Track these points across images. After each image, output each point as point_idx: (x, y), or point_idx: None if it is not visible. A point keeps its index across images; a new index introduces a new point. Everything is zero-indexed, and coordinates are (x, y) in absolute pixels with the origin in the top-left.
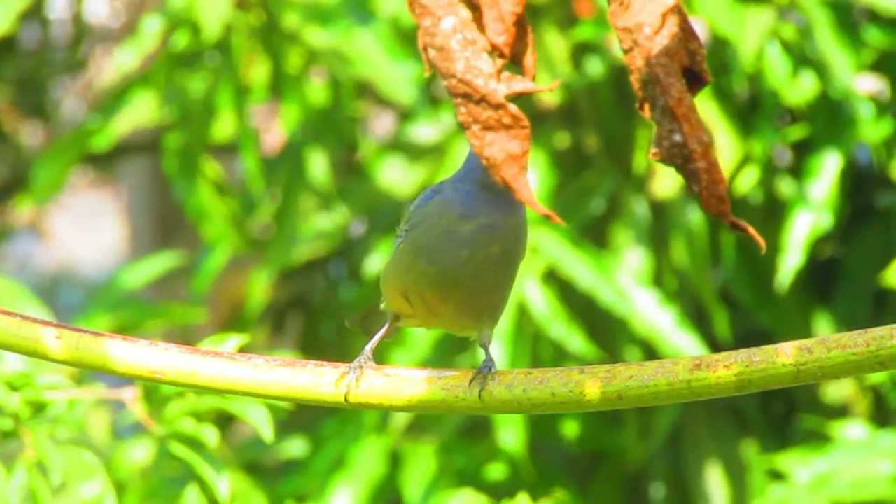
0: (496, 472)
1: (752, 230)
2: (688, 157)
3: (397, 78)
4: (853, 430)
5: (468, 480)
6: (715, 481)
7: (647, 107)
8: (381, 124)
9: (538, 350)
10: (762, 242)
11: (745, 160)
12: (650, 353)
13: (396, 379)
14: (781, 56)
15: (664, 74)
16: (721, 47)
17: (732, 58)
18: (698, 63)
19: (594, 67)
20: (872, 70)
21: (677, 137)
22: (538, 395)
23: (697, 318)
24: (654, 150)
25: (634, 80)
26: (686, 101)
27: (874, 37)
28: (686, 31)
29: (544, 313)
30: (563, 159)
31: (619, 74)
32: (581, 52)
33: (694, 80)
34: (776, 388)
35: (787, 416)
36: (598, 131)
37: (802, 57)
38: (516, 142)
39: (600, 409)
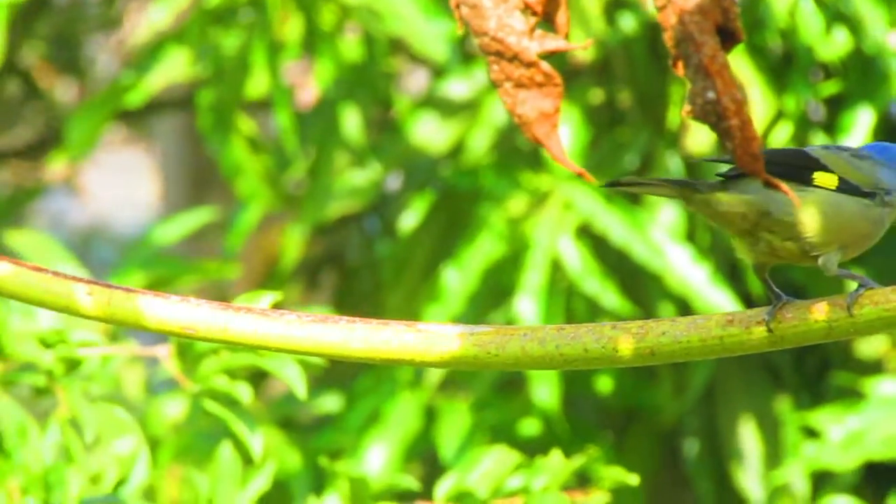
0: (530, 427)
1: (784, 187)
2: (721, 115)
3: (430, 34)
4: (887, 387)
5: (502, 436)
6: (749, 438)
7: (680, 64)
8: (415, 81)
9: (572, 305)
10: (796, 199)
11: (779, 116)
12: (684, 308)
13: (428, 335)
14: (815, 12)
15: (698, 32)
16: (755, 3)
17: (766, 14)
18: (731, 20)
19: (628, 24)
20: None
21: (711, 95)
22: (571, 351)
23: (731, 274)
24: (687, 107)
25: (668, 37)
26: (719, 58)
27: None
28: None
29: (578, 269)
30: (597, 115)
31: (652, 31)
32: (615, 8)
33: (727, 38)
34: (809, 345)
35: (820, 372)
36: (632, 87)
37: (836, 13)
38: (548, 100)
39: (633, 365)
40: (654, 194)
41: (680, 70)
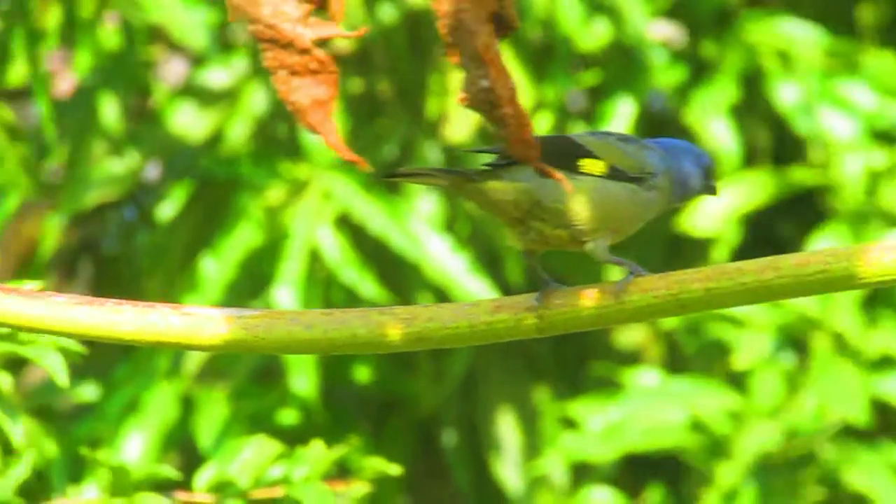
0: (289, 417)
1: (558, 175)
2: (495, 103)
3: (190, 23)
4: (646, 377)
5: (261, 426)
6: (507, 428)
7: (454, 53)
8: (174, 69)
9: (330, 295)
10: (568, 186)
11: (539, 106)
12: (442, 298)
13: (197, 318)
14: (574, 2)
15: (472, 20)
16: None
17: (525, 3)
18: (505, 8)
19: (387, 13)
20: (667, 16)
21: (485, 83)
22: (338, 336)
23: (490, 264)
24: (462, 95)
25: (442, 25)
26: (493, 46)
27: None
28: None
29: (336, 258)
30: (357, 105)
31: (412, 20)
32: None
33: (501, 26)
34: (568, 334)
35: (579, 362)
36: (392, 77)
37: (596, 3)
38: (323, 87)
39: (401, 351)
40: (428, 184)
41: (454, 59)
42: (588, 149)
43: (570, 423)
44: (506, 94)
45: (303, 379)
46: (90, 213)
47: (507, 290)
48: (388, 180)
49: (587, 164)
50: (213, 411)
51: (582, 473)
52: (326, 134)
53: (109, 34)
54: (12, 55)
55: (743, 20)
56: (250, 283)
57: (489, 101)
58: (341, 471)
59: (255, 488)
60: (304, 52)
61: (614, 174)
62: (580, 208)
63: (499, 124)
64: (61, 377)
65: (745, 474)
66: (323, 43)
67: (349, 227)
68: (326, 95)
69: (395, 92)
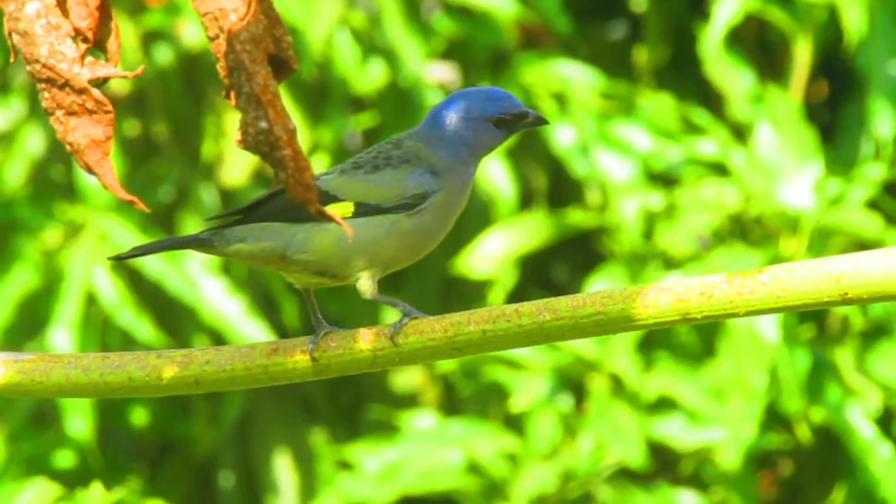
0: (65, 459)
1: (338, 218)
2: (274, 145)
3: None
4: (422, 420)
5: (38, 469)
6: (284, 470)
7: (233, 94)
8: None
9: (107, 338)
10: (350, 231)
11: (315, 147)
12: (219, 341)
13: None
14: (351, 44)
15: (250, 61)
16: (291, 35)
17: (301, 45)
18: (284, 50)
19: (163, 55)
20: (443, 58)
21: (263, 125)
22: (115, 379)
23: (266, 307)
24: (239, 137)
25: (221, 68)
26: (272, 87)
27: (444, 25)
28: (272, 18)
29: (113, 301)
30: (132, 147)
31: (188, 63)
32: (150, 39)
33: (280, 67)
34: (345, 377)
35: (355, 404)
36: (167, 119)
37: (371, 45)
38: (100, 127)
39: (177, 394)
40: (174, 250)
41: (233, 100)
42: (332, 194)
43: (346, 466)
44: (284, 136)
45: (79, 421)
46: None
47: (283, 332)
48: (165, 223)
49: (333, 210)
50: None
51: None
52: (103, 174)
53: None
54: None
55: (518, 62)
56: (26, 326)
57: (268, 142)
58: None
59: None
60: (81, 91)
61: (364, 211)
62: (329, 254)
63: (277, 167)
64: None
65: None
66: (100, 83)
67: (126, 269)
68: (103, 135)
69: (170, 133)
